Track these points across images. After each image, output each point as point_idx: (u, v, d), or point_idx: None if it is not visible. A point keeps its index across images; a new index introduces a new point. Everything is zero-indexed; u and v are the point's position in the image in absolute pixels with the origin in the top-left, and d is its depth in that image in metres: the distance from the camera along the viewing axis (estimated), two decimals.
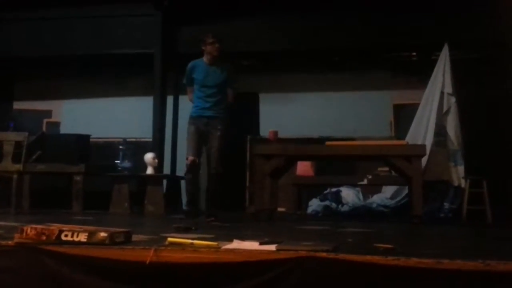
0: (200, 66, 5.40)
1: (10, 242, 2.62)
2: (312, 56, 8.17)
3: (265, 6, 7.58)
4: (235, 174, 8.14)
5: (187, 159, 5.27)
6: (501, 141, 6.77)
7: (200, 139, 5.31)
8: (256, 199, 5.71)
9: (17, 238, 2.61)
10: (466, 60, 7.31)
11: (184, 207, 5.35)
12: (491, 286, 2.13)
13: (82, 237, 2.55)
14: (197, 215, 5.24)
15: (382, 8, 7.25)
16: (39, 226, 2.63)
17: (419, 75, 7.27)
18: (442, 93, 6.55)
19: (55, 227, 2.64)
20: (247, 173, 7.87)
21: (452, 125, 6.44)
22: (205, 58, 5.40)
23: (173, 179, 7.50)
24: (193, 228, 3.95)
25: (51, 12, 8.11)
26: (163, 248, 2.47)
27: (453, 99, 6.51)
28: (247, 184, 7.86)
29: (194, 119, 5.35)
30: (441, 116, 6.50)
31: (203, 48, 5.36)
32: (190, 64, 5.45)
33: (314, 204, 7.11)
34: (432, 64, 6.86)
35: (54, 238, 2.57)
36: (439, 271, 2.19)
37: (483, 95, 7.03)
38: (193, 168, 5.24)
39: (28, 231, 2.61)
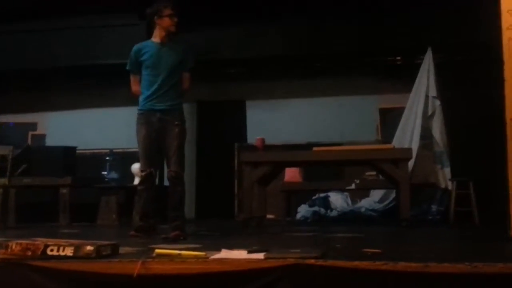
0: (149, 46, 4.36)
1: None
2: (298, 62, 8.20)
3: (250, 14, 7.60)
4: (224, 182, 8.15)
5: (141, 171, 4.38)
6: (486, 142, 6.82)
7: (153, 143, 4.31)
8: (244, 207, 5.71)
9: (1, 254, 2.57)
10: (450, 63, 7.38)
11: (137, 222, 4.39)
12: None
13: (68, 251, 2.52)
14: (152, 229, 4.40)
15: (366, 14, 7.31)
16: (24, 241, 2.60)
17: (404, 79, 7.32)
18: (427, 96, 6.60)
19: (40, 242, 2.61)
20: (236, 181, 7.86)
21: (437, 127, 6.49)
22: (156, 37, 4.36)
23: (161, 189, 7.45)
24: (181, 238, 3.93)
25: (35, 24, 8.06)
26: (150, 260, 2.45)
27: (437, 102, 6.57)
28: (236, 191, 7.85)
29: (144, 115, 4.31)
30: (427, 119, 6.55)
31: (156, 21, 4.33)
32: (136, 46, 4.42)
33: (303, 210, 7.12)
34: (416, 68, 6.91)
35: (39, 253, 2.54)
36: (427, 275, 2.20)
37: (467, 97, 7.09)
38: (148, 179, 4.34)
39: (13, 246, 2.58)
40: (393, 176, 5.37)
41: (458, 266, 2.20)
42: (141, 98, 4.36)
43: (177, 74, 4.37)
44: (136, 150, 7.73)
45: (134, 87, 4.45)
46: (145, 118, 4.31)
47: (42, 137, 8.98)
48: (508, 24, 3.61)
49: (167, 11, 4.29)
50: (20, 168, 6.56)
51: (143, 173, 4.33)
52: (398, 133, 6.82)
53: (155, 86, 4.28)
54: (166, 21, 4.30)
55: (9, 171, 5.81)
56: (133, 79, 4.45)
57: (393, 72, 8.00)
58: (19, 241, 2.60)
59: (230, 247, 2.82)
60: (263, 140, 7.35)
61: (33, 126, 9.12)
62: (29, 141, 8.79)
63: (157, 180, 4.88)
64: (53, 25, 8.09)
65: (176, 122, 4.30)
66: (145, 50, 4.35)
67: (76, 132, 8.34)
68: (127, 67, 4.47)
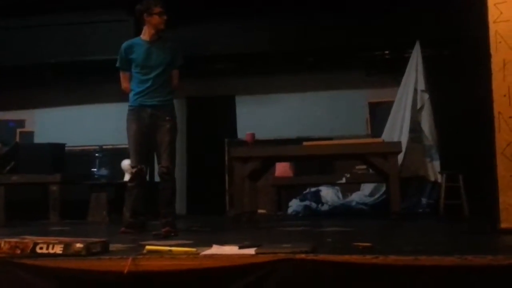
0: (139, 44, 4.38)
1: None
2: (287, 57, 8.19)
3: (238, 8, 7.57)
4: (215, 178, 8.14)
5: (132, 167, 4.35)
6: (474, 135, 6.86)
7: (144, 139, 4.31)
8: (235, 202, 5.70)
9: None
10: (438, 56, 7.40)
11: (127, 219, 4.43)
12: (469, 280, 2.16)
13: (58, 249, 2.51)
14: (142, 226, 4.41)
15: (354, 8, 7.30)
16: (13, 240, 2.58)
17: (393, 73, 7.34)
18: (415, 90, 6.63)
19: (29, 239, 2.60)
20: (226, 177, 7.85)
21: (426, 121, 6.53)
22: (145, 35, 4.39)
23: (152, 185, 7.43)
24: (172, 234, 3.92)
25: (22, 20, 7.97)
26: (140, 256, 2.45)
27: (426, 96, 6.60)
28: (227, 187, 7.84)
29: (135, 111, 4.32)
30: (416, 112, 6.58)
31: (146, 18, 4.32)
32: (125, 44, 4.45)
33: (294, 205, 7.13)
34: (405, 62, 6.93)
35: (28, 251, 2.52)
36: (417, 268, 2.21)
37: (456, 90, 7.12)
38: (138, 176, 4.33)
39: (2, 244, 2.56)
40: (383, 169, 5.39)
41: (448, 259, 2.21)
42: (131, 95, 4.37)
43: (167, 71, 4.39)
44: (126, 146, 7.65)
45: (124, 84, 4.47)
46: (135, 114, 4.31)
47: (31, 134, 8.90)
48: (495, 17, 3.63)
49: (157, 9, 4.28)
50: (8, 165, 6.52)
51: (134, 170, 4.31)
52: (387, 127, 6.84)
53: (145, 84, 4.29)
54: (156, 19, 4.29)
55: None
56: (123, 76, 4.47)
57: (382, 66, 8.01)
58: (8, 239, 2.58)
59: (221, 243, 2.82)
60: (253, 135, 7.33)
61: (21, 123, 9.04)
62: (17, 139, 8.71)
63: (147, 176, 4.88)
64: (40, 21, 8.01)
65: (167, 118, 4.31)
66: (135, 48, 4.36)
67: (64, 129, 8.28)
68: (117, 65, 4.48)
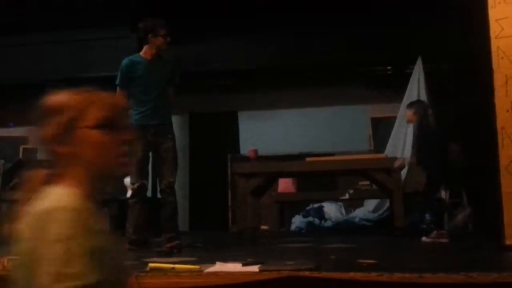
0: (141, 63, 4.36)
1: None
2: (289, 73, 8.22)
3: (239, 24, 7.62)
4: (217, 194, 8.13)
5: (133, 184, 4.36)
6: (477, 151, 6.86)
7: (146, 156, 4.36)
8: (238, 218, 5.69)
9: None
10: (440, 72, 7.43)
11: (130, 236, 4.40)
12: None
13: None
14: (145, 242, 4.44)
15: (355, 23, 7.35)
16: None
17: (395, 88, 7.36)
18: None
19: None
20: (229, 193, 7.84)
21: None
22: (146, 53, 4.38)
23: (154, 202, 7.42)
24: (175, 251, 3.91)
25: (26, 37, 8.05)
26: (144, 274, 2.43)
27: (429, 111, 6.60)
28: (229, 203, 7.83)
29: (138, 131, 4.14)
30: None
31: (150, 38, 4.31)
32: (127, 61, 4.39)
33: (297, 221, 7.10)
34: (407, 77, 6.96)
35: None
36: (422, 285, 2.19)
37: (458, 106, 7.14)
38: (140, 191, 4.36)
39: (5, 263, 2.55)
40: (386, 185, 5.38)
41: (453, 276, 2.20)
42: (134, 115, 4.32)
43: (166, 89, 4.42)
44: None
45: None
46: (138, 133, 4.24)
47: (34, 151, 8.92)
48: (497, 33, 3.65)
49: (162, 31, 4.32)
50: (11, 182, 6.52)
51: (135, 185, 4.32)
52: (390, 142, 6.84)
53: (148, 104, 4.31)
54: (160, 40, 4.31)
55: (1, 186, 5.76)
56: (121, 94, 4.34)
57: (384, 82, 8.04)
58: (12, 257, 2.57)
59: (225, 259, 2.80)
60: (256, 151, 7.35)
61: (24, 140, 9.06)
62: (21, 155, 8.73)
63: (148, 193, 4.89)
64: (43, 38, 8.08)
65: (169, 136, 4.37)
66: (137, 67, 4.35)
67: None
68: (117, 82, 4.41)
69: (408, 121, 5.28)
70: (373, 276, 2.25)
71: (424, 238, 4.78)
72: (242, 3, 7.34)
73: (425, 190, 5.30)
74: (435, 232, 4.79)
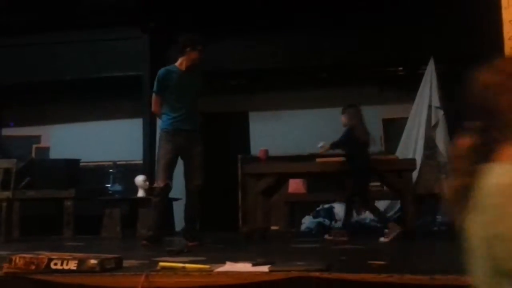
0: (176, 72, 4.77)
1: None
2: (300, 73, 8.22)
3: (252, 25, 7.63)
4: (228, 194, 8.13)
5: (160, 183, 4.64)
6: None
7: (174, 158, 4.69)
8: (249, 219, 5.69)
9: (5, 268, 2.57)
10: (452, 73, 7.37)
11: (149, 231, 4.73)
12: None
13: (72, 265, 2.52)
14: (160, 239, 4.69)
15: (368, 24, 7.33)
16: (28, 255, 2.60)
17: (407, 89, 7.33)
18: (430, 106, 6.60)
19: (44, 255, 2.61)
20: (239, 193, 7.83)
21: (441, 137, 6.48)
22: (182, 65, 4.78)
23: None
24: (185, 250, 3.92)
25: (39, 37, 8.11)
26: (154, 273, 2.44)
27: (441, 112, 6.57)
28: (240, 203, 7.82)
29: (171, 134, 4.67)
30: (430, 129, 6.54)
31: (188, 52, 4.72)
32: (164, 70, 4.80)
33: (307, 221, 7.08)
34: (418, 78, 6.92)
35: (43, 267, 2.53)
36: (433, 287, 2.18)
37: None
38: (164, 192, 4.65)
39: (17, 260, 2.57)
40: (398, 187, 5.35)
41: (464, 278, 2.18)
42: (165, 119, 4.76)
43: (196, 99, 4.89)
44: (140, 162, 7.73)
45: (157, 107, 4.84)
46: (171, 136, 4.68)
47: (46, 149, 9.00)
48: (510, 34, 3.61)
49: (200, 47, 4.75)
50: (24, 181, 6.57)
51: (162, 185, 4.58)
52: (401, 143, 6.81)
53: (180, 110, 4.70)
54: (196, 55, 4.73)
55: (13, 184, 5.82)
56: (157, 99, 4.80)
57: (395, 82, 8.00)
58: (23, 255, 2.60)
59: (235, 259, 2.80)
60: (266, 151, 7.32)
61: (37, 139, 9.14)
62: (33, 154, 8.81)
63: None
64: (56, 39, 8.14)
65: (199, 141, 4.78)
66: (172, 76, 4.74)
67: (79, 145, 8.35)
68: (154, 89, 4.80)
69: (343, 125, 5.40)
70: (383, 277, 2.24)
71: (326, 236, 5.10)
72: (255, 4, 7.35)
73: (348, 192, 5.54)
74: (335, 231, 5.17)
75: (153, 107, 4.88)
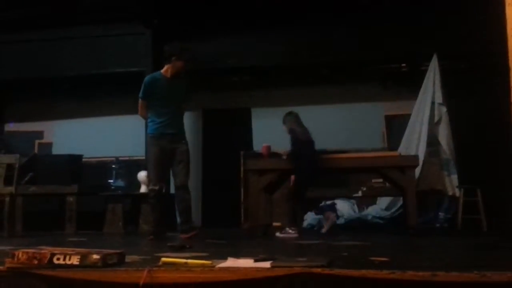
0: (161, 80, 5.06)
1: (1, 267, 2.58)
2: (302, 70, 8.21)
3: (254, 22, 7.62)
4: (230, 190, 8.13)
5: (153, 185, 4.99)
6: (493, 149, 6.80)
7: (164, 161, 5.01)
8: (251, 215, 5.70)
9: (8, 263, 2.57)
10: (455, 69, 7.36)
11: (151, 228, 5.13)
12: None
13: (75, 260, 2.52)
14: (165, 233, 5.14)
15: (370, 21, 7.31)
16: (30, 250, 2.60)
17: (410, 86, 7.31)
18: (432, 103, 6.59)
19: (46, 250, 2.61)
20: (242, 189, 7.84)
21: (443, 134, 6.47)
22: (167, 72, 5.06)
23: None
24: (187, 246, 3.93)
25: (41, 34, 8.12)
26: (156, 268, 2.45)
27: (444, 109, 6.55)
28: (242, 200, 7.83)
29: (156, 138, 5.01)
30: (433, 126, 6.53)
31: (173, 60, 5.00)
32: (149, 78, 5.11)
33: (309, 218, 7.09)
34: (421, 75, 6.91)
35: (46, 262, 2.53)
36: (435, 284, 2.18)
37: (474, 104, 7.07)
38: (159, 193, 5.00)
39: (20, 255, 2.57)
40: (400, 183, 5.35)
41: (466, 275, 2.18)
42: (151, 124, 5.07)
43: (181, 104, 5.16)
44: (142, 158, 7.80)
45: (143, 112, 5.14)
46: (157, 141, 5.00)
47: (49, 145, 9.01)
48: None
49: (185, 57, 5.03)
50: (27, 176, 6.59)
51: (156, 188, 4.95)
52: (404, 140, 6.80)
53: (165, 116, 5.01)
54: (181, 64, 5.02)
55: (16, 180, 5.83)
56: (143, 104, 5.09)
57: (398, 79, 7.99)
58: (26, 250, 2.60)
59: (237, 255, 2.81)
60: (269, 147, 7.32)
61: (40, 134, 9.16)
62: (36, 150, 8.82)
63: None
64: (58, 35, 8.14)
65: (183, 141, 5.07)
66: (157, 83, 5.03)
67: (82, 140, 8.37)
68: (140, 95, 5.07)
69: (287, 133, 5.73)
70: (385, 273, 2.24)
71: (277, 234, 5.31)
72: (257, 1, 7.34)
73: (290, 191, 5.79)
74: (287, 228, 5.35)
75: (139, 111, 5.15)
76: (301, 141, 5.55)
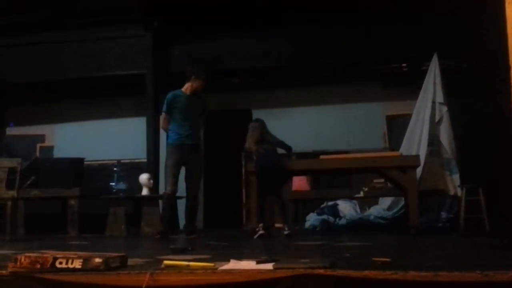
0: (181, 96, 5.70)
1: (4, 272, 2.58)
2: (304, 71, 8.21)
3: (254, 23, 7.63)
4: (231, 192, 8.14)
5: (169, 189, 5.53)
6: (494, 149, 6.80)
7: (180, 167, 5.60)
8: (252, 216, 5.69)
9: (11, 267, 2.57)
10: (456, 69, 7.36)
11: (160, 227, 5.75)
12: None
13: (77, 264, 2.52)
14: (172, 233, 5.76)
15: (371, 21, 7.32)
16: (33, 254, 2.60)
17: (410, 85, 7.31)
18: (433, 102, 6.57)
19: (49, 254, 2.61)
20: (243, 191, 7.85)
21: (445, 134, 6.46)
22: (187, 90, 5.72)
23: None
24: (189, 248, 3.93)
25: (42, 37, 8.14)
26: (158, 271, 2.44)
27: (445, 108, 6.54)
28: (244, 201, 7.84)
29: (176, 147, 5.59)
30: (434, 125, 6.52)
31: (193, 79, 5.67)
32: (171, 95, 5.71)
33: (312, 219, 7.09)
34: (422, 75, 6.90)
35: (48, 266, 2.53)
36: (437, 284, 2.17)
37: (474, 103, 7.07)
38: (173, 196, 5.63)
39: (22, 259, 2.57)
40: (401, 183, 5.35)
41: (469, 275, 2.17)
42: (173, 134, 5.66)
43: (199, 119, 5.84)
44: (144, 160, 7.86)
45: (165, 125, 5.77)
46: (177, 149, 5.59)
47: (50, 148, 9.03)
48: None
49: (204, 77, 5.74)
50: (28, 180, 6.59)
51: (170, 191, 5.49)
52: (405, 140, 6.79)
53: (186, 127, 5.64)
54: (199, 83, 5.71)
55: (18, 183, 5.83)
56: (166, 118, 5.73)
57: (399, 79, 7.98)
58: (28, 254, 2.60)
59: (239, 257, 2.81)
60: None
61: (41, 138, 9.17)
62: (38, 153, 8.84)
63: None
64: (59, 38, 8.16)
65: (199, 153, 5.78)
66: (178, 99, 5.68)
67: (83, 143, 8.38)
68: (164, 109, 5.73)
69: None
70: (388, 274, 2.24)
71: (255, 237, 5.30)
72: (258, 2, 7.35)
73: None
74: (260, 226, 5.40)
75: (162, 124, 5.83)
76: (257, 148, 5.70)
